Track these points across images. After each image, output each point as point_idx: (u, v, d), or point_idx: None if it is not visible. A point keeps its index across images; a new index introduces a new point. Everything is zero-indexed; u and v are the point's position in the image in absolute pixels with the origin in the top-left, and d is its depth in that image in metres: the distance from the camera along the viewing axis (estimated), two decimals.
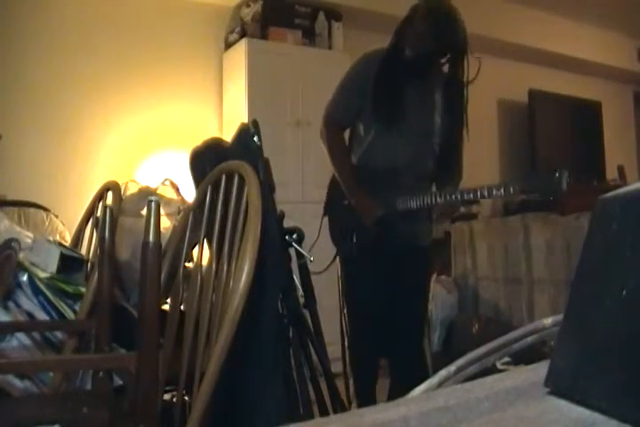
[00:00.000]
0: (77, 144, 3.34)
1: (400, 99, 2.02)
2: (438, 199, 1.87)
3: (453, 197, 1.82)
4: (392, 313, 2.08)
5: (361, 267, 2.06)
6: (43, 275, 1.53)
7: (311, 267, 1.70)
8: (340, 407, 1.61)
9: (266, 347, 1.33)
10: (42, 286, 1.50)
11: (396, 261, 2.04)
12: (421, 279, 2.19)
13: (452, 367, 0.37)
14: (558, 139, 5.04)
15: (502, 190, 1.74)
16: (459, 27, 1.96)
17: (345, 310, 2.11)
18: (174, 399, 1.27)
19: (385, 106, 2.01)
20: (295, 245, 1.64)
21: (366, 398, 2.05)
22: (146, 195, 1.85)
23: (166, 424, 1.15)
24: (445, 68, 2.08)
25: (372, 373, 2.12)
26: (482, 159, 4.69)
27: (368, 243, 2.01)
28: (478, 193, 1.77)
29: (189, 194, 1.94)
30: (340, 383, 1.84)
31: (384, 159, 2.03)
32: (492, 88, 4.85)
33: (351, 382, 2.08)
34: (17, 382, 1.41)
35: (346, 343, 2.11)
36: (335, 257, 2.10)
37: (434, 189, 2.13)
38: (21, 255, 1.57)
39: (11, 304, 1.49)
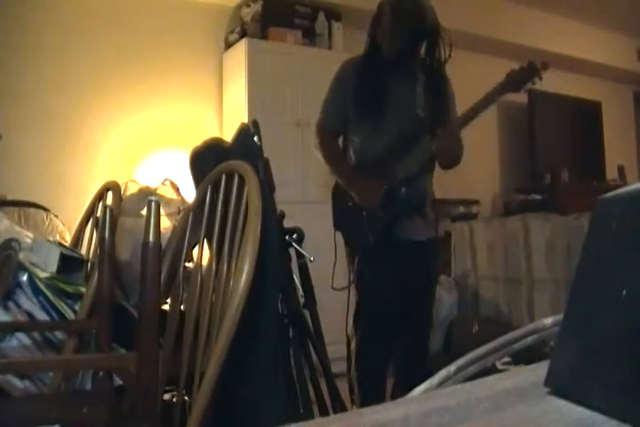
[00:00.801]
0: (77, 144, 3.34)
1: (382, 90, 2.07)
2: (436, 143, 1.98)
3: (449, 129, 1.96)
4: (403, 310, 2.09)
5: (374, 263, 2.07)
6: (43, 275, 1.53)
7: (327, 282, 1.71)
8: (339, 407, 1.61)
9: (266, 347, 1.33)
10: (42, 286, 1.50)
11: (405, 256, 2.06)
12: (430, 274, 2.21)
13: (452, 367, 0.37)
14: (558, 139, 5.04)
15: (488, 99, 1.86)
16: (426, 11, 2.03)
17: (356, 312, 2.11)
18: (174, 399, 1.27)
19: (366, 101, 2.06)
20: (295, 245, 1.64)
21: (376, 399, 2.04)
22: (146, 195, 1.85)
23: (166, 424, 1.15)
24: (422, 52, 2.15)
25: (382, 373, 2.12)
26: (482, 159, 4.69)
27: (380, 235, 2.02)
28: (468, 115, 1.94)
29: (189, 194, 1.94)
30: (342, 384, 1.84)
31: (378, 146, 2.06)
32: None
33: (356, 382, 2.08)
34: (17, 382, 1.41)
35: (352, 345, 2.10)
36: (350, 276, 2.11)
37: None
38: (21, 255, 1.56)
39: (11, 304, 1.49)
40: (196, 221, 1.33)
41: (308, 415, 1.49)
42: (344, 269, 2.15)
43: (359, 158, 2.11)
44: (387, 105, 2.06)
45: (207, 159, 1.51)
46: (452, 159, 2.08)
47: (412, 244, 2.06)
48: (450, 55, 2.06)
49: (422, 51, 2.12)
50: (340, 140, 2.21)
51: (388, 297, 2.06)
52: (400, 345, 2.15)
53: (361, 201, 2.03)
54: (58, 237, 2.52)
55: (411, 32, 2.01)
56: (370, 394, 2.06)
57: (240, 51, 3.57)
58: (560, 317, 0.33)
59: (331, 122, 2.16)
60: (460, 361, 0.37)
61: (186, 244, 1.34)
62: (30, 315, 1.49)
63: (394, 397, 2.08)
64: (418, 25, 2.00)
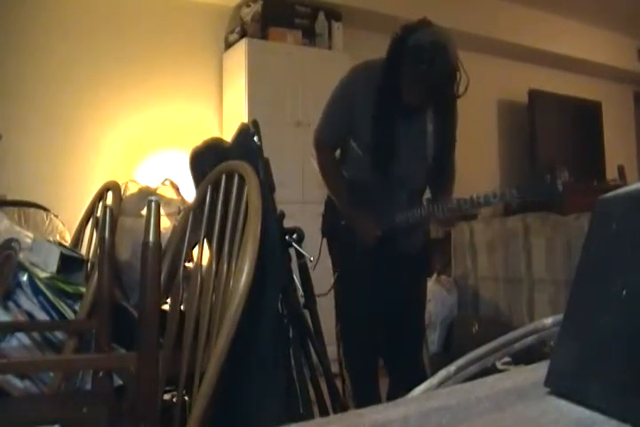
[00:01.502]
0: (77, 144, 3.34)
1: (395, 130, 1.98)
2: (435, 211, 1.89)
3: (449, 207, 1.86)
4: (391, 318, 2.09)
5: (360, 278, 2.06)
6: (43, 275, 1.53)
7: (326, 281, 1.70)
8: (339, 407, 1.61)
9: (266, 347, 1.33)
10: (42, 286, 1.50)
11: (393, 267, 2.05)
12: (418, 284, 2.20)
13: (452, 367, 0.37)
14: (558, 139, 5.04)
15: (499, 196, 1.78)
16: (453, 60, 1.86)
17: (342, 317, 2.11)
18: (174, 399, 1.27)
19: (379, 145, 1.98)
20: (295, 245, 1.64)
21: (370, 399, 2.05)
22: (146, 195, 1.85)
23: (166, 424, 1.15)
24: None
25: (372, 374, 2.12)
26: (481, 159, 4.69)
27: (368, 257, 2.02)
28: (475, 201, 1.80)
29: (189, 194, 1.94)
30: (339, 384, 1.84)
31: (379, 178, 2.02)
32: (492, 88, 4.86)
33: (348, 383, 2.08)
34: (17, 382, 1.41)
35: (341, 347, 2.11)
36: (336, 279, 2.11)
37: (428, 196, 2.14)
38: (21, 255, 1.56)
39: (11, 304, 1.49)
40: (196, 221, 1.33)
41: (308, 415, 1.49)
42: (328, 271, 2.14)
43: (358, 177, 2.06)
44: (397, 145, 1.98)
45: (207, 159, 1.51)
46: None
47: (399, 257, 2.06)
48: (466, 89, 1.90)
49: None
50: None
51: (370, 306, 2.04)
52: (392, 347, 2.16)
53: (359, 236, 2.01)
54: (58, 237, 2.52)
55: (438, 80, 1.88)
56: (365, 395, 2.06)
57: (240, 51, 3.57)
58: (560, 317, 0.33)
59: (330, 136, 2.10)
60: (460, 361, 0.37)
61: (186, 244, 1.34)
62: (30, 315, 1.49)
63: (390, 398, 2.08)
64: (447, 73, 1.86)
